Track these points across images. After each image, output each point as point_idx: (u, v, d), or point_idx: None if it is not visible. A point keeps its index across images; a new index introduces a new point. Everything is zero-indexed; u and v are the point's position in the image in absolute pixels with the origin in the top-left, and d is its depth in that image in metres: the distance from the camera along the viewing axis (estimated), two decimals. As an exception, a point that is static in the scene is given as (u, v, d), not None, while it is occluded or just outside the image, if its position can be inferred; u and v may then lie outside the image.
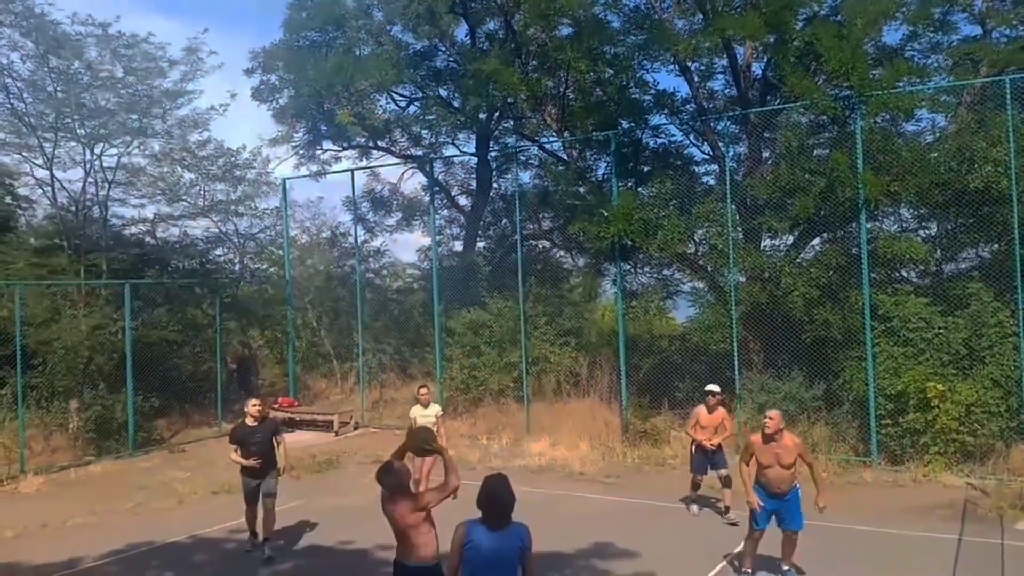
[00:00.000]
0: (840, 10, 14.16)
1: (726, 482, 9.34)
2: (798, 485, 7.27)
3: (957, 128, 13.44)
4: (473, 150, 20.03)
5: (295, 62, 17.50)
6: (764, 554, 7.55)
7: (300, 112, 18.38)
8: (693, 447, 9.64)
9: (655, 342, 16.25)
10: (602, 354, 15.01)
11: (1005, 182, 11.43)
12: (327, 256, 22.15)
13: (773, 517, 7.25)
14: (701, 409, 9.58)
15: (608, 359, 14.75)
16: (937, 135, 14.26)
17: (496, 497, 4.59)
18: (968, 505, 9.63)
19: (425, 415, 10.22)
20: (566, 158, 17.55)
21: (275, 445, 8.60)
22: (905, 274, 13.90)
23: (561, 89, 16.56)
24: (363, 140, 19.49)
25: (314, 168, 19.98)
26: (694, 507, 9.78)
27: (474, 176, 20.57)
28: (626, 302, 15.22)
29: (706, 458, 9.47)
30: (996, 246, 13.05)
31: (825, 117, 13.96)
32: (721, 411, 9.60)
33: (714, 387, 9.63)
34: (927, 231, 14.67)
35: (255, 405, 8.64)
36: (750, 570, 7.47)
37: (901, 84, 13.01)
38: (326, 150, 20.01)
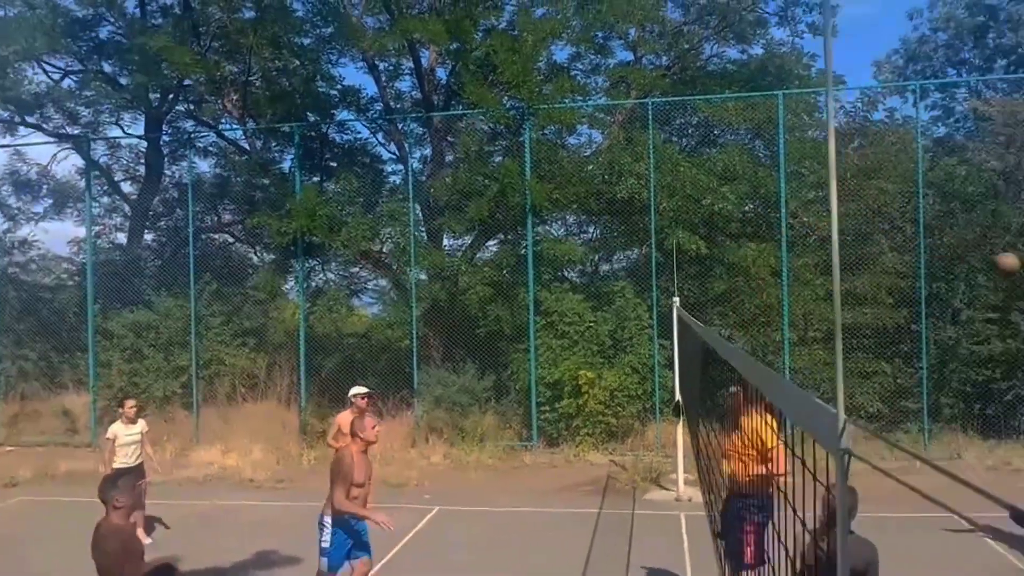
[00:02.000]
0: (515, 25, 15.13)
1: None
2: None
3: (610, 144, 15.03)
4: (142, 132, 18.31)
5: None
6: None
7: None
8: None
9: (342, 340, 16.12)
10: (282, 354, 14.56)
11: (646, 193, 13.02)
12: (-41, 247, 18.87)
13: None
14: (345, 415, 8.15)
15: (289, 359, 14.36)
16: (594, 149, 15.82)
17: None
18: (609, 480, 10.86)
19: (130, 434, 8.60)
20: (248, 148, 16.76)
21: None
22: (567, 274, 15.26)
23: (244, 75, 15.77)
24: (6, 114, 16.91)
25: (-61, 142, 16.94)
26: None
27: (142, 161, 18.80)
28: (311, 299, 14.96)
29: None
30: (639, 250, 14.86)
31: (501, 126, 14.85)
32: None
33: (360, 388, 8.38)
34: (587, 235, 16.31)
35: None
36: None
37: (566, 100, 14.25)
38: (-44, 122, 17.06)
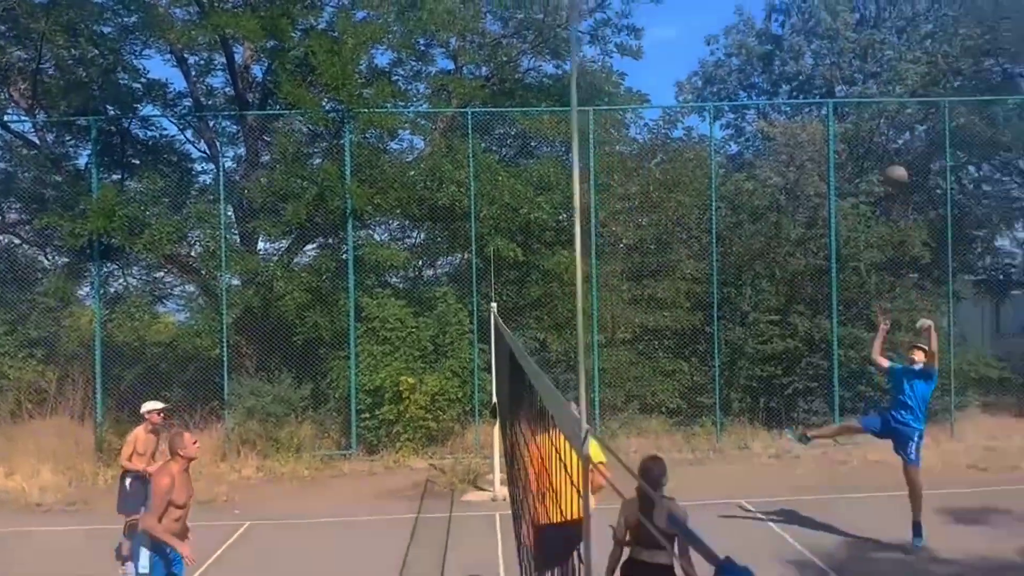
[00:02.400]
0: (335, 27, 14.90)
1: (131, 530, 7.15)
2: None
3: (431, 150, 15.18)
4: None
5: None
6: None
7: None
8: (128, 481, 7.57)
9: (145, 350, 15.13)
10: (76, 366, 13.44)
11: (467, 201, 13.27)
12: None
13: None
14: (139, 432, 7.64)
15: (83, 371, 13.28)
16: (416, 155, 15.91)
17: None
18: (428, 484, 10.97)
19: None
20: (38, 142, 15.34)
21: None
22: (390, 279, 15.23)
23: (35, 63, 14.43)
24: None
25: None
26: (130, 567, 6.89)
27: (-88, 153, 16.71)
28: (110, 306, 13.95)
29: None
30: (460, 255, 15.12)
31: (320, 127, 14.58)
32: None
33: (153, 404, 7.84)
34: (410, 240, 16.36)
35: None
36: None
37: (387, 105, 14.23)
38: None
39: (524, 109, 15.35)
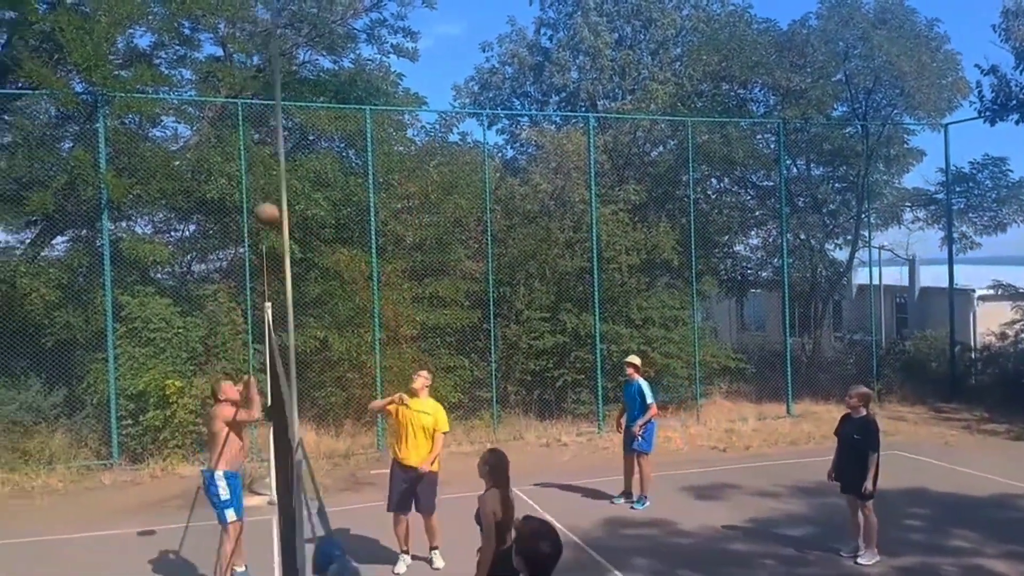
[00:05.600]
0: (86, 3, 13.66)
1: None
2: None
3: (199, 140, 14.41)
4: None
5: None
6: None
7: None
8: None
9: None
10: None
11: (238, 195, 12.77)
12: None
13: None
14: None
15: None
16: (181, 145, 15.01)
17: None
18: (199, 492, 10.44)
19: None
20: None
21: None
22: (155, 275, 14.25)
23: None
24: None
25: None
26: None
27: None
28: None
29: None
30: (234, 251, 14.50)
31: (70, 109, 13.32)
32: None
33: None
34: (177, 233, 15.39)
35: None
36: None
37: (148, 89, 13.30)
38: None
39: (301, 104, 15.02)
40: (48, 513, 9.69)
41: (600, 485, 10.27)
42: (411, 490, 7.35)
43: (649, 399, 9.55)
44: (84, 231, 13.70)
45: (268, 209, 6.44)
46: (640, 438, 9.48)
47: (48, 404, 11.75)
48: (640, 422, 9.45)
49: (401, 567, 7.46)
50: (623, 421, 9.85)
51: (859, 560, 7.45)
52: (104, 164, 12.08)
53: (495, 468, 5.23)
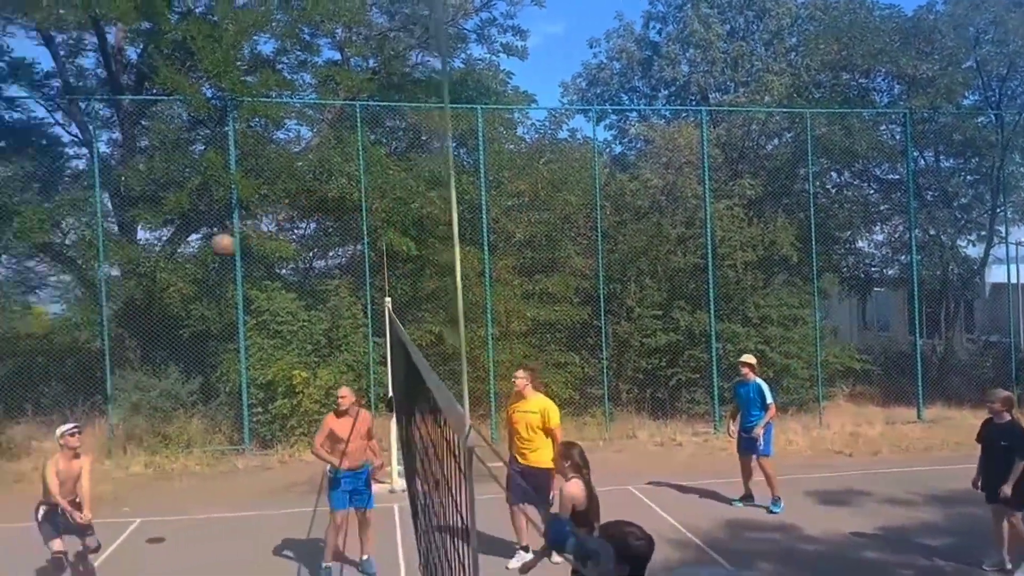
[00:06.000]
0: (215, 12, 14.42)
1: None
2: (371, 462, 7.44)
3: (319, 141, 14.96)
4: None
5: None
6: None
7: None
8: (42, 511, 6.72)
9: (17, 343, 14.16)
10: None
11: (357, 194, 13.18)
12: None
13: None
14: (59, 460, 6.77)
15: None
16: (303, 146, 15.63)
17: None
18: (324, 478, 10.86)
19: None
20: None
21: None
22: (280, 271, 14.91)
23: None
24: None
25: None
26: None
27: None
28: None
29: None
30: (353, 248, 15.00)
31: (202, 114, 14.08)
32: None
33: (68, 426, 6.93)
34: (300, 231, 16.06)
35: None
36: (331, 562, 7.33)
37: (273, 94, 13.92)
38: None
39: (415, 104, 15.37)
40: (189, 494, 10.29)
41: (718, 487, 10.03)
42: (528, 486, 7.40)
43: (769, 399, 9.27)
44: (215, 229, 14.46)
45: (223, 241, 6.67)
46: (761, 441, 9.21)
47: (185, 391, 12.48)
48: (761, 424, 9.19)
49: (515, 562, 7.50)
50: (736, 423, 9.60)
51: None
52: (234, 165, 12.71)
53: (578, 461, 5.50)
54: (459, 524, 2.77)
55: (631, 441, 13.02)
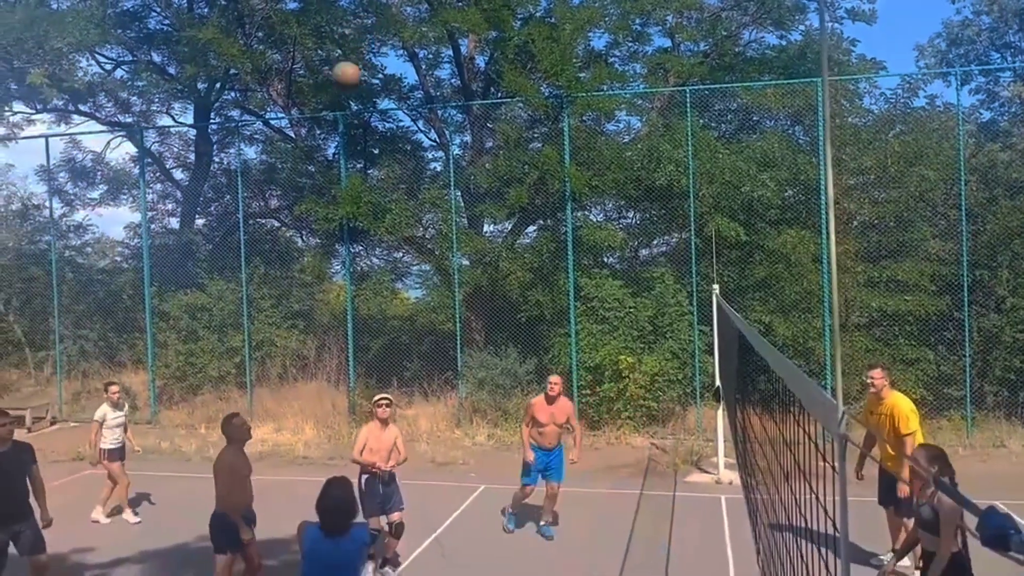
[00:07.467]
0: (553, 13, 15.26)
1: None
2: (563, 443, 8.17)
3: (648, 130, 15.11)
4: (191, 121, 18.85)
5: (-28, 12, 15.19)
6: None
7: (-19, 68, 16.00)
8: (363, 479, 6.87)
9: (386, 323, 16.53)
10: (331, 336, 15.00)
11: (685, 180, 13.11)
12: (17, 231, 19.64)
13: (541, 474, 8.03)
14: (372, 428, 6.99)
15: (337, 341, 14.79)
16: (632, 136, 15.91)
17: (337, 506, 4.34)
18: (650, 462, 11.08)
19: (116, 417, 8.85)
20: (293, 136, 17.17)
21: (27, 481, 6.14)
22: (607, 259, 15.43)
23: (289, 65, 16.14)
24: (61, 103, 17.47)
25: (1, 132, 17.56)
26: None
27: (192, 149, 19.36)
28: (356, 283, 15.35)
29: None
30: (678, 236, 14.97)
31: (540, 113, 15.03)
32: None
33: (381, 395, 7.32)
34: (626, 220, 16.45)
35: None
36: (513, 511, 8.32)
37: (604, 87, 14.37)
38: (16, 112, 17.65)
39: (746, 84, 14.82)
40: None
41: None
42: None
43: None
44: (549, 220, 15.41)
45: (348, 70, 6.25)
46: None
47: (523, 371, 13.49)
48: None
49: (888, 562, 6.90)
50: None
51: None
52: (568, 159, 13.38)
53: (947, 468, 4.74)
54: (812, 519, 2.61)
55: (999, 451, 11.32)
